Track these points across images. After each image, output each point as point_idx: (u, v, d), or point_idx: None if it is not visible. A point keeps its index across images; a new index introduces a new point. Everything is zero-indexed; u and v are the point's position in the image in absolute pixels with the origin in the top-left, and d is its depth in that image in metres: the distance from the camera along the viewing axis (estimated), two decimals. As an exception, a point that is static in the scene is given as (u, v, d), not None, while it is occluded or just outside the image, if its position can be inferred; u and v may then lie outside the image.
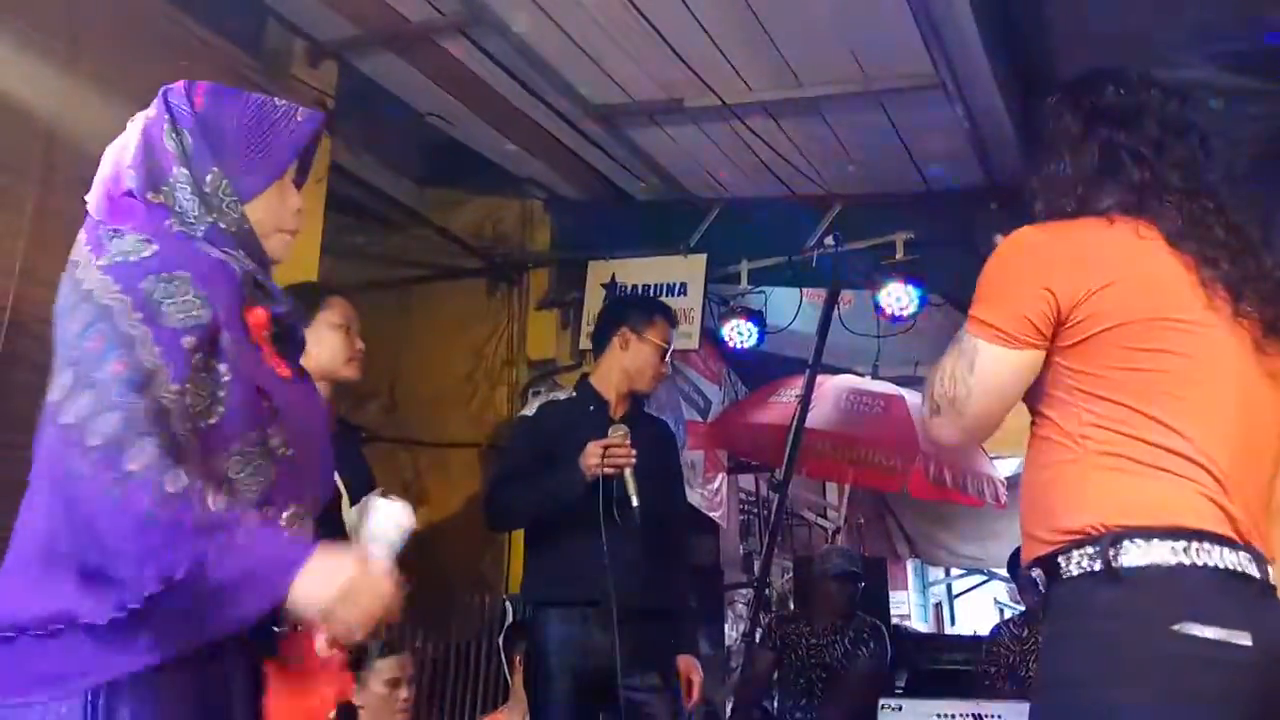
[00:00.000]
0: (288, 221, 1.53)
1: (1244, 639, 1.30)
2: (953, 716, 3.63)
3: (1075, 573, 1.38)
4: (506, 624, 4.19)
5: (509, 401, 4.85)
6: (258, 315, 1.46)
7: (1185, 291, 1.44)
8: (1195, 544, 1.35)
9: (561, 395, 3.13)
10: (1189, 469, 1.38)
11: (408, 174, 4.77)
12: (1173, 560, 1.34)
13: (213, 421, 1.35)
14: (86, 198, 1.48)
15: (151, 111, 1.47)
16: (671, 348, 3.11)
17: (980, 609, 11.43)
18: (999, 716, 3.58)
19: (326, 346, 2.44)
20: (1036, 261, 1.49)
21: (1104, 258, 1.46)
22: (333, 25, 3.50)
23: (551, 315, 4.94)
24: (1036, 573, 1.46)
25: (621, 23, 3.34)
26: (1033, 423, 1.54)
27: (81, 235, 1.43)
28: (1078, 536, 1.39)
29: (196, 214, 1.43)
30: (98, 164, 1.51)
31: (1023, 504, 1.52)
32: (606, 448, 2.69)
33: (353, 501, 2.46)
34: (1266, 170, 2.87)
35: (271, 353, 1.49)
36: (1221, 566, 1.34)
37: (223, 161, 1.45)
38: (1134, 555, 1.34)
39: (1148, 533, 1.35)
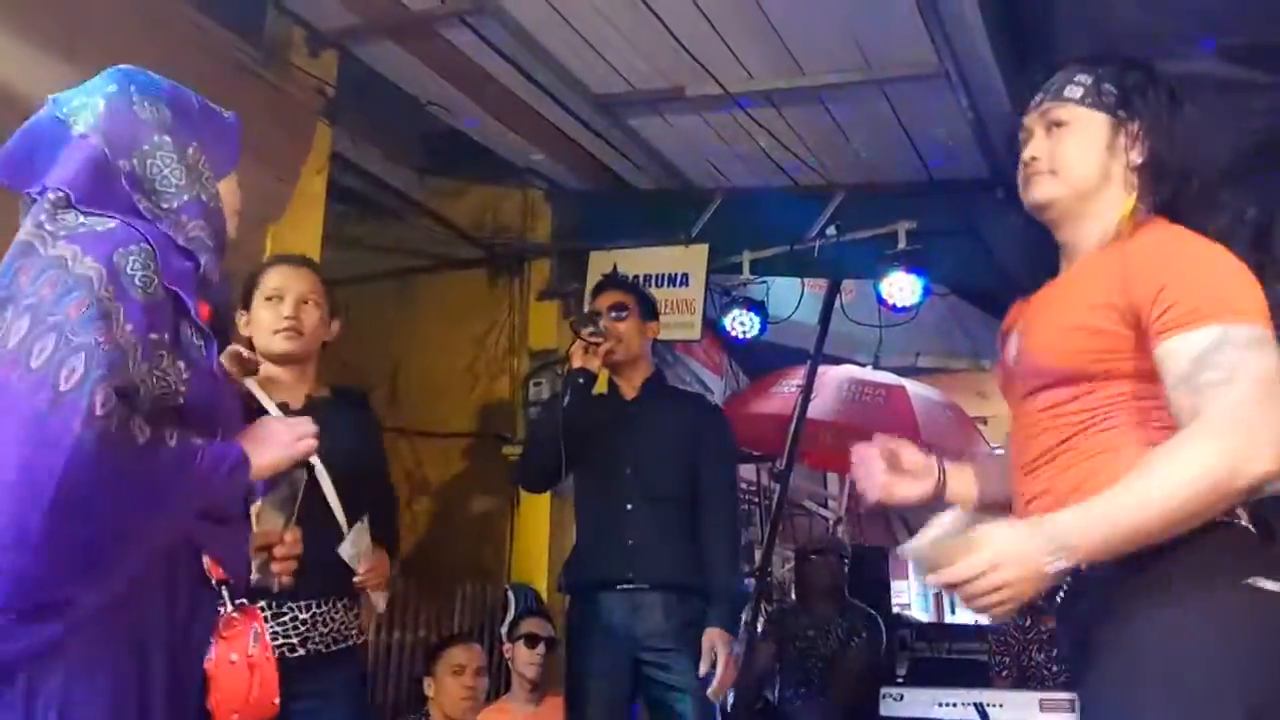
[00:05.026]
0: (237, 203, 1.59)
1: None
2: (954, 705, 3.62)
3: None
4: (510, 614, 4.19)
5: (510, 392, 4.85)
6: (203, 309, 1.45)
7: None
8: (1239, 506, 1.37)
9: None
10: None
11: (408, 163, 4.76)
12: (1233, 519, 1.36)
13: (174, 405, 1.34)
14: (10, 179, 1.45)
15: (112, 87, 1.45)
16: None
17: (980, 599, 11.41)
18: (1000, 705, 3.58)
19: (256, 324, 2.25)
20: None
21: None
22: (333, 13, 3.48)
23: (553, 306, 4.93)
24: None
25: (623, 10, 3.33)
26: (1074, 396, 1.47)
27: (28, 218, 1.39)
28: None
29: (179, 183, 1.43)
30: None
31: (1062, 477, 1.47)
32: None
33: (349, 472, 2.19)
34: (1268, 163, 2.86)
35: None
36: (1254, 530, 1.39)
37: (199, 138, 1.49)
38: None
39: None
